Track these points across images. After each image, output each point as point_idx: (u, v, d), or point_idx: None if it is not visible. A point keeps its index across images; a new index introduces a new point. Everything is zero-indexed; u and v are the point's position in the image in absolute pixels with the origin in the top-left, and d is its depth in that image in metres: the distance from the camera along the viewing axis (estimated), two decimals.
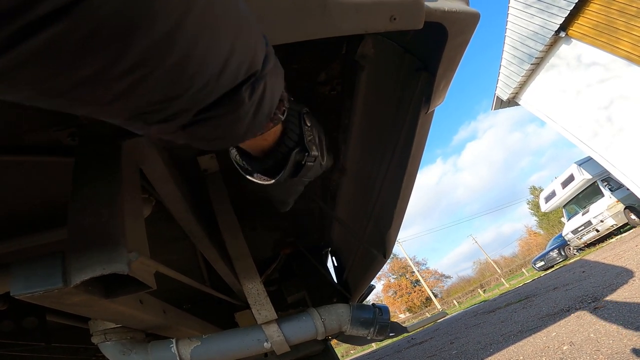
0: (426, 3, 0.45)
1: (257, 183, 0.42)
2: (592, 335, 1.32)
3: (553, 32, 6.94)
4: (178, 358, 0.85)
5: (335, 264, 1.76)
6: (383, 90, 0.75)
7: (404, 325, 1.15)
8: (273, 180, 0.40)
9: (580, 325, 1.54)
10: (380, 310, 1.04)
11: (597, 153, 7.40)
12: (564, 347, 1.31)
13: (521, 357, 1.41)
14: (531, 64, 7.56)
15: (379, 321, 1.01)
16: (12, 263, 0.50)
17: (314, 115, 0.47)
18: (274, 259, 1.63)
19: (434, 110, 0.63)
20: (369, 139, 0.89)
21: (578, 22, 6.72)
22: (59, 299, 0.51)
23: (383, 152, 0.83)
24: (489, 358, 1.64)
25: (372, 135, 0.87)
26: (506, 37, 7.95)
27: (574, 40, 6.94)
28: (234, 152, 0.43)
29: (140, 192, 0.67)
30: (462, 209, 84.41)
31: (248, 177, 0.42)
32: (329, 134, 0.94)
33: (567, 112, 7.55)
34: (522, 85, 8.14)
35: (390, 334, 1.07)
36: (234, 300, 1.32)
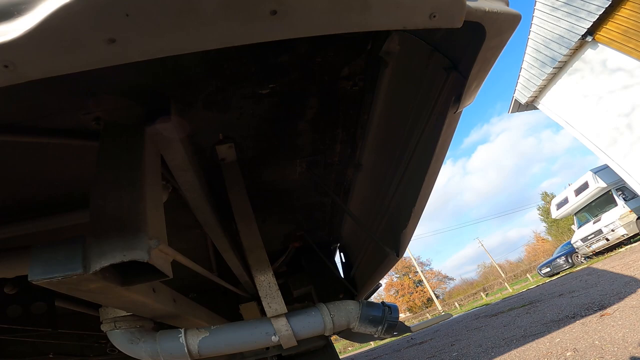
0: (467, 2, 0.45)
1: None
2: (596, 342, 1.35)
3: (580, 36, 6.91)
4: (186, 348, 0.87)
5: (344, 260, 1.78)
6: (406, 87, 0.75)
7: (406, 324, 1.18)
8: None
9: (585, 332, 1.56)
10: (390, 309, 1.06)
11: (614, 161, 7.35)
12: (568, 354, 1.34)
13: None
14: (553, 68, 7.54)
15: (387, 320, 1.03)
16: (30, 247, 0.51)
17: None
18: (283, 252, 1.65)
19: (462, 111, 0.63)
20: (388, 136, 0.89)
21: (607, 26, 6.68)
22: (76, 286, 0.51)
23: (402, 149, 0.84)
24: None
25: (391, 132, 0.87)
26: (529, 40, 7.90)
27: (600, 45, 6.89)
28: None
29: (161, 178, 0.68)
30: (469, 212, 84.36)
31: None
32: (347, 128, 0.96)
33: (586, 118, 7.51)
34: (542, 89, 8.13)
35: (395, 333, 1.10)
36: (240, 292, 1.34)
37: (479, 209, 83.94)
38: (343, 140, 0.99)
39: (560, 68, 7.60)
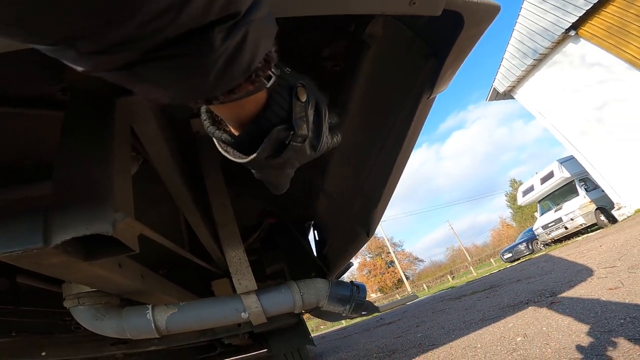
0: None
1: (232, 160, 0.37)
2: (544, 329, 1.51)
3: (563, 30, 7.22)
4: (153, 325, 0.87)
5: (317, 238, 1.82)
6: (386, 71, 0.77)
7: (375, 304, 1.24)
8: (247, 159, 0.35)
9: (536, 319, 1.74)
10: (358, 288, 1.10)
11: (581, 153, 7.96)
12: (518, 339, 1.48)
13: (479, 345, 1.58)
14: (534, 59, 7.84)
15: (355, 299, 1.07)
16: None
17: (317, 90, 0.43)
18: (257, 228, 1.67)
19: (435, 97, 0.67)
20: (365, 117, 0.91)
21: (591, 22, 7.03)
22: (37, 260, 0.51)
23: (378, 131, 0.86)
24: (451, 343, 1.82)
25: (368, 113, 0.89)
26: (514, 31, 8.15)
27: (582, 40, 7.25)
28: (204, 117, 0.37)
29: (130, 150, 0.67)
30: (441, 195, 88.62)
31: (222, 151, 0.37)
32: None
33: (559, 109, 7.95)
34: (521, 80, 8.48)
35: (363, 313, 1.16)
36: (212, 268, 1.35)
37: (451, 193, 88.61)
38: None
39: (540, 60, 7.93)
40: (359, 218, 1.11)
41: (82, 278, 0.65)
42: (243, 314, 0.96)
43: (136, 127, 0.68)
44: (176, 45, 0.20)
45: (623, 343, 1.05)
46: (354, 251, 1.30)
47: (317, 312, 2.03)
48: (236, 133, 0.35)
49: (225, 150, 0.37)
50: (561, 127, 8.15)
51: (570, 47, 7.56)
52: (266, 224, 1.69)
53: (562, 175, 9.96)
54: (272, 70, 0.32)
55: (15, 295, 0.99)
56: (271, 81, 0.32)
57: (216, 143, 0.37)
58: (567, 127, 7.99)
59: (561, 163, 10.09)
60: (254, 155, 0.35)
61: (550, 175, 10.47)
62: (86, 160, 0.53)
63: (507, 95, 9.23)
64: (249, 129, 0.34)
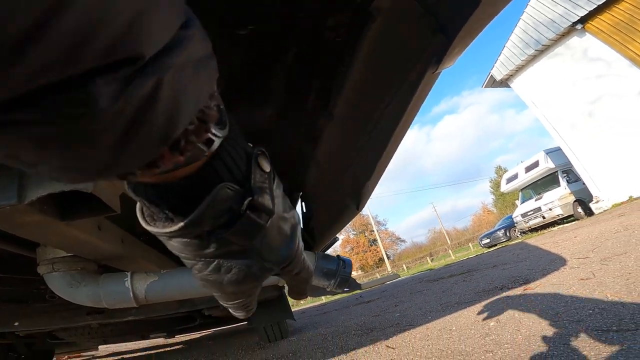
0: None
1: (157, 233, 0.25)
2: (516, 315, 1.58)
3: (570, 23, 7.29)
4: (131, 293, 0.84)
5: (304, 210, 1.81)
6: (391, 44, 0.74)
7: (358, 282, 1.25)
8: (176, 226, 0.23)
9: (508, 305, 1.82)
10: (344, 263, 1.09)
11: (568, 145, 8.27)
12: (491, 324, 1.55)
13: (454, 328, 1.65)
14: (535, 50, 7.96)
15: (341, 274, 1.06)
16: None
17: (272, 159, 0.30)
18: None
19: (440, 72, 0.65)
20: (364, 89, 0.89)
21: (600, 17, 7.15)
22: (11, 218, 0.48)
23: (379, 102, 0.84)
24: (427, 324, 1.90)
25: (368, 86, 0.87)
26: (520, 20, 8.21)
27: (587, 34, 7.40)
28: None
29: None
30: (428, 177, 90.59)
31: (141, 220, 0.26)
32: (324, 79, 0.94)
33: (553, 100, 8.12)
34: (519, 69, 8.60)
35: (345, 289, 1.17)
36: None
37: (437, 176, 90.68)
38: (318, 89, 0.99)
39: (542, 51, 8.04)
40: (350, 190, 1.09)
41: (58, 241, 0.63)
42: None
43: None
44: (29, 106, 0.13)
45: (591, 333, 1.10)
46: (342, 224, 1.29)
47: None
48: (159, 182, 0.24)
49: (150, 215, 0.25)
50: (552, 118, 8.42)
51: (574, 40, 7.71)
52: None
53: (546, 165, 10.29)
54: (213, 131, 0.22)
55: None
56: (213, 145, 0.23)
57: (137, 211, 0.26)
58: (558, 118, 8.26)
59: (547, 153, 10.39)
60: (191, 217, 0.23)
61: (535, 164, 10.80)
62: None
63: (504, 83, 9.37)
64: (187, 179, 0.23)
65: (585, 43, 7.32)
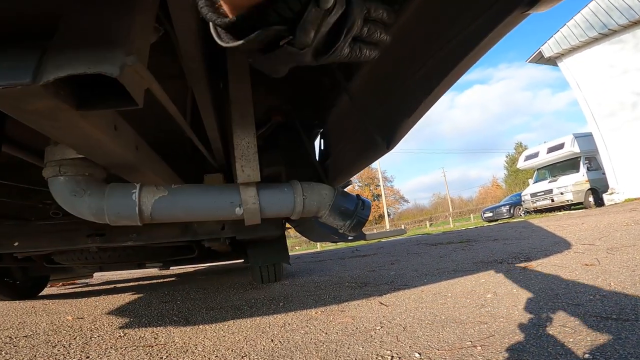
0: None
1: (220, 44, 0.36)
2: (514, 290, 1.61)
3: None
4: (137, 207, 0.79)
5: (322, 148, 1.78)
6: None
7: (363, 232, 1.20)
8: (232, 44, 0.34)
9: (507, 279, 1.86)
10: (363, 204, 1.02)
11: (600, 132, 8.30)
12: (488, 295, 1.59)
13: (450, 294, 1.71)
14: (599, 33, 7.89)
15: (358, 215, 0.99)
16: None
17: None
18: (263, 124, 1.58)
19: (529, 14, 0.57)
20: (426, 19, 0.79)
21: None
22: (20, 101, 0.44)
23: (439, 35, 0.75)
24: (422, 287, 1.97)
25: (432, 15, 0.77)
26: (592, 1, 8.09)
27: None
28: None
29: (155, 13, 0.59)
30: (443, 142, 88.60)
31: (214, 35, 0.36)
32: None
33: (599, 85, 8.03)
34: (573, 49, 8.61)
35: (350, 238, 1.13)
36: (209, 158, 1.31)
37: (453, 142, 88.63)
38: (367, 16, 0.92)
39: (606, 35, 7.92)
40: (382, 126, 1.00)
41: (70, 135, 0.58)
42: (238, 209, 0.88)
43: None
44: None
45: (589, 319, 1.12)
46: (367, 162, 1.19)
47: (307, 228, 2.08)
48: (231, 17, 0.33)
49: (217, 34, 0.36)
50: (593, 103, 8.59)
51: None
52: (274, 121, 1.59)
53: (571, 149, 10.26)
54: None
55: None
56: None
57: (211, 27, 0.35)
58: (598, 104, 8.45)
59: (576, 138, 10.30)
60: (240, 42, 0.33)
61: (560, 146, 10.70)
62: (107, 4, 0.46)
63: (551, 60, 9.28)
64: (244, 15, 0.32)
65: None
